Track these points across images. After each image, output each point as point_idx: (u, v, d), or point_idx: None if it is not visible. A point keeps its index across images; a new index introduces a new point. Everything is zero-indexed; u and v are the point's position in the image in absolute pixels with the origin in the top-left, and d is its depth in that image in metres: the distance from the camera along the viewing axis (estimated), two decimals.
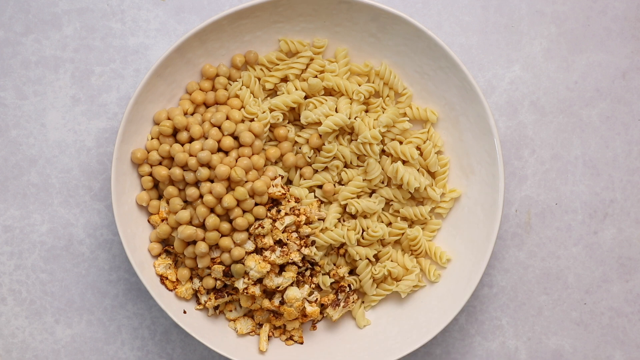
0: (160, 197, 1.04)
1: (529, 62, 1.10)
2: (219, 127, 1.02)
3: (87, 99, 1.08)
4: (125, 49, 1.09)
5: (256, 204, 1.01)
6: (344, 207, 1.03)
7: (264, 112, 1.03)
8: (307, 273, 1.03)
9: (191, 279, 1.04)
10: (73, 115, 1.08)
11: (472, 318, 1.09)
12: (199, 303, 1.04)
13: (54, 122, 1.08)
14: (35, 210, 1.08)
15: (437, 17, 1.09)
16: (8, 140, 1.08)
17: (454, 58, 1.00)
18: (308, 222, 1.02)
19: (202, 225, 1.01)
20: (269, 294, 1.03)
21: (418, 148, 1.04)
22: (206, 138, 1.02)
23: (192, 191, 1.00)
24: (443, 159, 1.05)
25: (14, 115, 1.08)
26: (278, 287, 1.01)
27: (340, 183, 1.04)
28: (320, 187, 1.04)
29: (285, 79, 1.05)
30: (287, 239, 1.01)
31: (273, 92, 1.06)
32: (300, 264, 1.02)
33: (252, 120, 1.03)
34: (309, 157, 1.03)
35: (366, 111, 1.05)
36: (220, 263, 1.01)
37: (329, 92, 1.05)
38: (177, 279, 1.03)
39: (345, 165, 1.04)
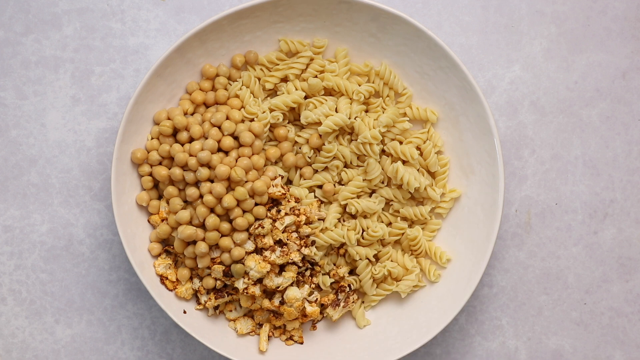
0: (160, 197, 1.04)
1: (529, 62, 1.10)
2: (219, 127, 1.02)
3: (87, 99, 1.08)
4: (125, 49, 1.09)
5: (256, 204, 1.01)
6: (344, 207, 1.03)
7: (264, 112, 1.03)
8: (307, 273, 1.03)
9: (191, 279, 1.04)
10: (73, 115, 1.08)
11: (472, 318, 1.09)
12: (199, 303, 1.04)
13: (54, 122, 1.08)
14: (35, 210, 1.08)
15: (437, 17, 1.09)
16: (8, 140, 1.08)
17: (454, 58, 1.00)
18: (308, 222, 1.02)
19: (202, 225, 1.01)
20: (269, 294, 1.03)
21: (418, 148, 1.04)
22: (206, 138, 1.02)
23: (192, 191, 1.00)
24: (443, 159, 1.05)
25: (14, 115, 1.08)
26: (278, 287, 1.01)
27: (340, 183, 1.04)
28: (320, 187, 1.04)
29: (285, 79, 1.05)
30: (287, 239, 1.01)
31: (273, 92, 1.06)
32: (300, 264, 1.02)
33: (252, 120, 1.03)
34: (309, 157, 1.03)
35: (366, 111, 1.05)
36: (220, 263, 1.01)
37: (329, 92, 1.05)
38: (177, 279, 1.03)
39: (345, 165, 1.04)
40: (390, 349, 1.02)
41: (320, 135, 1.03)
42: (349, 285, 1.04)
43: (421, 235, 1.04)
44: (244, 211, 1.01)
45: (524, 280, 1.09)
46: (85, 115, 1.08)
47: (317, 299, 1.03)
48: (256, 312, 1.04)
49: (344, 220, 1.04)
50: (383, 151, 1.04)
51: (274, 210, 1.01)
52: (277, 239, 1.01)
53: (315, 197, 1.04)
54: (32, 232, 1.08)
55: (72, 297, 1.08)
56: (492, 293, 1.10)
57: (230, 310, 1.05)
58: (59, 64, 1.08)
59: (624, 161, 1.10)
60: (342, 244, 1.03)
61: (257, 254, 1.01)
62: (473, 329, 1.10)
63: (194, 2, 1.09)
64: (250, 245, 1.01)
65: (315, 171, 1.04)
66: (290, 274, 1.01)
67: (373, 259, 1.04)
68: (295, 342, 1.05)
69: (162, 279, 1.03)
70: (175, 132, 1.03)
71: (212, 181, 1.01)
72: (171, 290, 1.03)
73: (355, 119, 1.02)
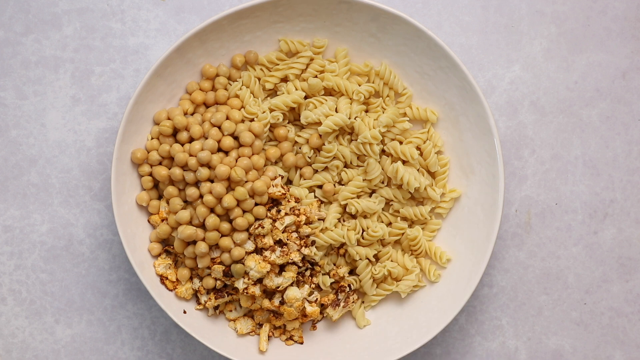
0: (160, 197, 1.04)
1: (529, 62, 1.10)
2: (219, 127, 1.02)
3: (87, 99, 1.08)
4: (125, 49, 1.09)
5: (256, 204, 1.01)
6: (344, 207, 1.03)
7: (264, 112, 1.03)
8: (307, 273, 1.03)
9: (191, 279, 1.04)
10: (73, 115, 1.08)
11: (472, 318, 1.09)
12: (199, 303, 1.04)
13: (54, 122, 1.08)
14: (35, 210, 1.08)
15: (437, 17, 1.09)
16: (8, 140, 1.08)
17: (454, 58, 1.00)
18: (308, 222, 1.02)
19: (202, 225, 1.01)
20: (269, 294, 1.03)
21: (418, 148, 1.04)
22: (206, 138, 1.02)
23: (192, 191, 1.00)
24: (443, 159, 1.05)
25: (14, 115, 1.08)
26: (278, 287, 1.01)
27: (340, 183, 1.04)
28: (320, 187, 1.04)
29: (285, 79, 1.05)
30: (287, 239, 1.01)
31: (273, 92, 1.06)
32: (300, 264, 1.02)
33: (252, 120, 1.03)
34: (309, 157, 1.03)
35: (366, 111, 1.05)
36: (220, 263, 1.01)
37: (329, 92, 1.05)
38: (177, 279, 1.03)
39: (345, 165, 1.04)
40: (390, 349, 1.02)
41: (320, 135, 1.03)
42: (349, 285, 1.04)
43: (421, 235, 1.04)
44: (244, 211, 1.01)
45: (524, 280, 1.09)
46: (85, 115, 1.08)
47: (317, 299, 1.03)
48: (256, 312, 1.04)
49: (344, 220, 1.04)
50: (383, 151, 1.04)
51: (274, 210, 1.01)
52: (277, 239, 1.01)
53: (315, 197, 1.04)
54: (32, 232, 1.08)
55: (72, 297, 1.08)
56: (492, 293, 1.10)
57: (230, 310, 1.05)
58: (59, 64, 1.08)
59: (624, 161, 1.10)
60: (342, 244, 1.03)
61: (257, 254, 1.01)
62: (473, 329, 1.10)
63: (194, 2, 1.09)
64: (250, 245, 1.01)
65: (315, 171, 1.04)
66: (290, 274, 1.01)
67: (373, 259, 1.04)
68: (295, 342, 1.05)
69: (162, 279, 1.03)
70: (175, 132, 1.02)
71: (212, 181, 1.01)
72: (171, 290, 1.03)
73: (355, 119, 1.02)
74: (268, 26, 1.04)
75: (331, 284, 1.04)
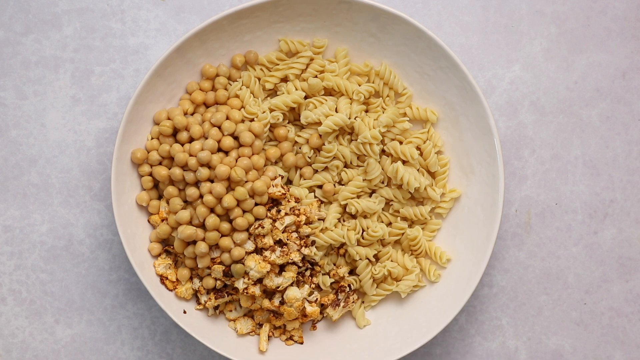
0: (160, 197, 1.04)
1: (529, 62, 1.10)
2: (219, 127, 1.02)
3: (87, 99, 1.08)
4: (125, 49, 1.09)
5: (256, 204, 1.01)
6: (344, 207, 1.03)
7: (264, 112, 1.03)
8: (307, 273, 1.03)
9: (191, 279, 1.04)
10: (73, 115, 1.08)
11: (472, 318, 1.09)
12: (199, 303, 1.04)
13: (54, 122, 1.08)
14: (35, 210, 1.08)
15: (437, 17, 1.09)
16: (8, 140, 1.08)
17: (454, 58, 1.00)
18: (308, 222, 1.02)
19: (202, 225, 1.01)
20: (269, 294, 1.03)
21: (418, 148, 1.04)
22: (206, 138, 1.02)
23: (192, 191, 1.00)
24: (443, 159, 1.05)
25: (14, 115, 1.08)
26: (278, 287, 1.01)
27: (340, 183, 1.04)
28: (320, 187, 1.04)
29: (285, 79, 1.05)
30: (287, 239, 1.01)
31: (273, 92, 1.06)
32: (300, 264, 1.02)
33: (252, 120, 1.03)
34: (309, 157, 1.03)
35: (366, 111, 1.05)
36: (220, 263, 1.01)
37: (329, 92, 1.05)
38: (177, 279, 1.03)
39: (345, 165, 1.04)
40: (390, 349, 1.02)
41: (320, 135, 1.03)
42: (349, 285, 1.04)
43: (421, 235, 1.04)
44: (244, 211, 1.01)
45: (524, 280, 1.09)
46: (85, 115, 1.08)
47: (317, 299, 1.03)
48: (256, 312, 1.04)
49: (344, 220, 1.04)
50: (383, 151, 1.04)
51: (274, 210, 1.01)
52: (277, 239, 1.01)
53: (315, 197, 1.04)
54: (32, 232, 1.08)
55: (72, 297, 1.08)
56: (492, 293, 1.10)
57: (230, 310, 1.05)
58: (59, 64, 1.08)
59: (624, 161, 1.10)
60: (342, 244, 1.03)
61: (257, 254, 1.01)
62: (473, 329, 1.10)
63: (194, 2, 1.09)
64: (250, 245, 1.01)
65: (315, 171, 1.04)
66: (290, 274, 1.01)
67: (373, 259, 1.04)
68: (295, 342, 1.05)
69: (162, 279, 1.03)
70: (175, 132, 1.02)
71: (212, 181, 1.01)
72: (171, 290, 1.03)
73: (355, 119, 1.02)
74: (268, 26, 1.04)
75: (331, 284, 1.04)
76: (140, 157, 1.02)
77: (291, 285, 1.02)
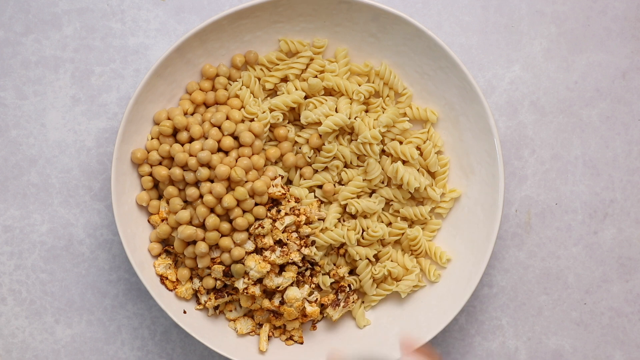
0: (160, 197, 1.04)
1: (529, 62, 1.10)
2: (219, 127, 1.02)
3: (87, 99, 1.08)
4: (125, 49, 1.09)
5: (256, 204, 1.01)
6: (344, 207, 1.03)
7: (264, 112, 1.03)
8: (307, 273, 1.03)
9: (191, 279, 1.04)
10: (73, 115, 1.08)
11: (472, 318, 1.09)
12: (199, 303, 1.04)
13: (54, 122, 1.08)
14: (35, 210, 1.08)
15: (437, 17, 1.09)
16: (8, 140, 1.08)
17: (454, 58, 1.00)
18: (308, 222, 1.02)
19: (202, 225, 1.01)
20: (269, 294, 1.03)
21: (418, 148, 1.04)
22: (206, 138, 1.02)
23: (192, 191, 1.00)
24: (443, 159, 1.05)
25: (14, 115, 1.08)
26: (278, 287, 1.01)
27: (340, 183, 1.04)
28: (320, 187, 1.04)
29: (285, 79, 1.05)
30: (287, 239, 1.01)
31: (273, 92, 1.06)
32: (300, 264, 1.02)
33: (252, 120, 1.03)
34: (309, 157, 1.03)
35: (366, 111, 1.05)
36: (220, 263, 1.01)
37: (329, 92, 1.05)
38: (177, 279, 1.03)
39: (345, 165, 1.04)
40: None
41: (320, 135, 1.03)
42: (349, 285, 1.04)
43: (421, 235, 1.04)
44: (244, 211, 1.01)
45: (524, 280, 1.09)
46: (85, 115, 1.08)
47: (317, 299, 1.03)
48: (256, 312, 1.04)
49: (344, 220, 1.04)
50: (383, 151, 1.04)
51: (274, 210, 1.01)
52: (277, 239, 1.01)
53: (315, 197, 1.04)
54: (32, 232, 1.08)
55: (72, 297, 1.08)
56: (492, 293, 1.10)
57: (230, 310, 1.05)
58: (59, 64, 1.08)
59: (624, 161, 1.10)
60: (342, 244, 1.03)
61: (257, 254, 1.01)
62: (473, 329, 1.10)
63: (194, 2, 1.09)
64: (250, 245, 1.01)
65: (315, 171, 1.04)
66: (290, 274, 1.01)
67: (373, 259, 1.04)
68: (295, 342, 1.05)
69: (162, 279, 1.03)
70: (175, 132, 1.02)
71: (212, 181, 1.01)
72: (171, 290, 1.03)
73: (355, 119, 1.02)
74: (268, 26, 1.04)
75: (331, 284, 1.04)
76: (140, 157, 1.02)
77: (291, 285, 1.02)
